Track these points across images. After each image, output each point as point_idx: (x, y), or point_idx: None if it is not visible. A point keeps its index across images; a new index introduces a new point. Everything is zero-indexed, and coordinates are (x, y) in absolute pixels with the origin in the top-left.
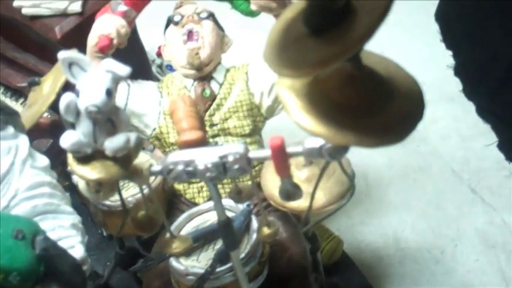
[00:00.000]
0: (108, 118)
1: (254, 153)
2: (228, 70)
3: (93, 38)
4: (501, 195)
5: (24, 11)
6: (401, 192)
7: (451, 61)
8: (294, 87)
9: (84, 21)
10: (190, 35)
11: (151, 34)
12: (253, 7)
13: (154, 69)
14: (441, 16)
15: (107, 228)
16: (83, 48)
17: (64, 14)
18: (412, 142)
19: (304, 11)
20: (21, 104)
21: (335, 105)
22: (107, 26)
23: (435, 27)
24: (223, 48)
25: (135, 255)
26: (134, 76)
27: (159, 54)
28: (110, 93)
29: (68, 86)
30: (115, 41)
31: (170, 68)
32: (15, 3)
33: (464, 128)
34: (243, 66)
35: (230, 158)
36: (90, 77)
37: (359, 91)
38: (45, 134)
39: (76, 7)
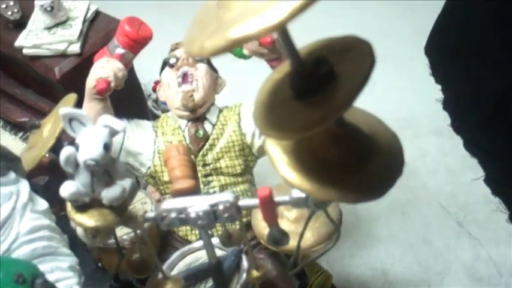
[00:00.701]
0: (106, 170)
1: (243, 202)
2: (221, 111)
3: (92, 81)
4: (487, 229)
5: (25, 51)
6: (390, 225)
7: (440, 95)
8: (281, 142)
9: (83, 62)
10: (185, 77)
11: (147, 68)
12: (245, 51)
13: (150, 103)
14: (430, 50)
15: (103, 263)
16: (81, 88)
17: (63, 55)
18: (401, 176)
19: (289, 75)
20: (21, 138)
21: (320, 162)
22: (105, 69)
23: (425, 61)
24: (216, 90)
25: None
26: (130, 111)
27: (155, 89)
28: (107, 147)
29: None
30: (112, 84)
31: (165, 103)
32: (17, 43)
33: (452, 162)
34: (235, 106)
35: (220, 207)
36: (89, 132)
37: (342, 148)
38: (44, 171)
39: (75, 48)
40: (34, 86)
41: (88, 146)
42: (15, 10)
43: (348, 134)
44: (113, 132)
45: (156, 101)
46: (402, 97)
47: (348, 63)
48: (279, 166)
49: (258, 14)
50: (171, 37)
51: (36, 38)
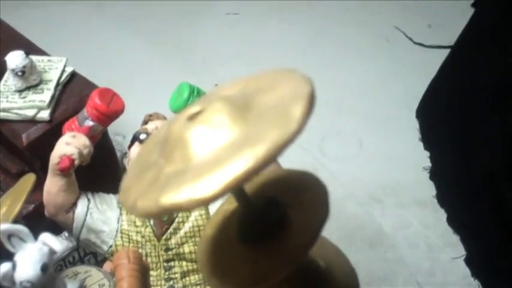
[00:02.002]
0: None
1: None
2: None
3: (55, 157)
4: None
5: None
6: None
7: (427, 163)
8: None
9: (52, 129)
10: None
11: (125, 124)
12: None
13: (125, 161)
14: (422, 114)
15: None
16: (49, 156)
17: (32, 121)
18: (380, 247)
19: (236, 215)
20: None
21: None
22: (70, 146)
23: (416, 124)
24: None
25: None
26: (102, 173)
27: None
28: (45, 268)
29: None
30: (76, 162)
31: None
32: None
33: (433, 237)
34: None
35: None
36: (28, 251)
37: (295, 284)
38: None
39: (44, 115)
40: (4, 144)
41: (25, 266)
42: None
43: (301, 268)
44: (53, 253)
45: (130, 145)
46: (388, 162)
47: (302, 208)
48: None
49: (192, 182)
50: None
51: (5, 101)
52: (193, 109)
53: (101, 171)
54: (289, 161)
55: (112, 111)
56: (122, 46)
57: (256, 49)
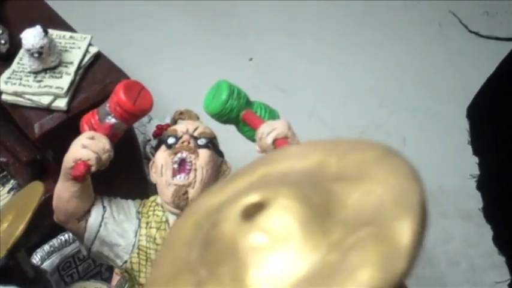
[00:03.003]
0: None
1: None
2: None
3: (69, 161)
4: None
5: (4, 97)
6: None
7: (476, 170)
8: None
9: (68, 120)
10: (182, 165)
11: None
12: (257, 148)
13: (148, 149)
14: (473, 113)
15: None
16: (63, 150)
17: (47, 109)
18: (419, 263)
19: None
20: None
21: None
22: (87, 149)
23: (465, 125)
24: (218, 179)
25: None
26: (122, 167)
27: (156, 135)
28: None
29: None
30: (93, 169)
31: None
32: (2, 86)
33: (476, 256)
34: None
35: None
36: None
37: None
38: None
39: (61, 104)
40: (15, 126)
41: None
42: (2, 42)
43: None
44: None
45: (156, 147)
46: (432, 165)
47: None
48: None
49: None
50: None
51: (18, 84)
52: (250, 198)
53: (119, 162)
54: None
55: (138, 109)
56: (153, 17)
57: (297, 22)
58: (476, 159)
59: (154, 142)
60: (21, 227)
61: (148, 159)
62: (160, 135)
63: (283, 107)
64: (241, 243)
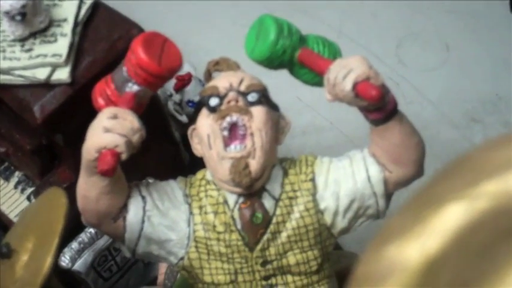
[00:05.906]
0: None
1: None
2: (285, 172)
3: (91, 152)
4: None
5: None
6: None
7: None
8: None
9: (75, 95)
10: (234, 131)
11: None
12: (328, 96)
13: (171, 106)
14: None
15: None
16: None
17: (46, 85)
18: None
19: None
20: None
21: None
22: (111, 133)
23: (510, 21)
24: (279, 140)
25: None
26: (150, 138)
27: (178, 88)
28: None
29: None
30: (124, 156)
31: (192, 105)
32: None
33: None
34: (305, 163)
35: None
36: None
37: None
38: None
39: (62, 75)
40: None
41: None
42: None
43: None
44: None
45: (179, 103)
46: (485, 70)
47: None
48: None
49: None
50: None
51: (2, 58)
52: None
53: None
54: None
55: (166, 68)
56: None
57: None
58: None
59: (177, 97)
60: (48, 260)
61: (174, 119)
62: (183, 87)
63: (304, 32)
64: None
